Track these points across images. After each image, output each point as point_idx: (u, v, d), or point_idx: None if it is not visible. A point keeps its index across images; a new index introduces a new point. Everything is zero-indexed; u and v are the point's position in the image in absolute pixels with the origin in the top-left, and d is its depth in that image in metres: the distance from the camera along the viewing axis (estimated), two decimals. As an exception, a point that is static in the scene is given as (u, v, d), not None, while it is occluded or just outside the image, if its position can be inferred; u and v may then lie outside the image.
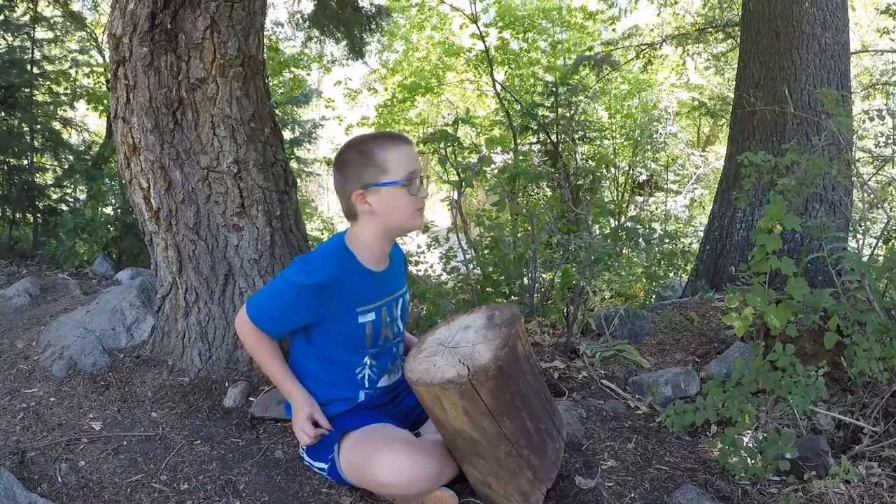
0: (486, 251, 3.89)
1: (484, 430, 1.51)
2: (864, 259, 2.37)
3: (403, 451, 1.60)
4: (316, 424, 1.75)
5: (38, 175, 6.58)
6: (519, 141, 9.54)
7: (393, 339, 1.84)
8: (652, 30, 10.45)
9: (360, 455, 1.65)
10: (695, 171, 10.93)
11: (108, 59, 3.27)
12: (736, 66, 5.00)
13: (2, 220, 6.31)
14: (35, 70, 6.43)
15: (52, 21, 6.88)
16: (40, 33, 6.74)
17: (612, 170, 10.87)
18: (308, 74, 11.51)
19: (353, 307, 1.71)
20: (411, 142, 1.73)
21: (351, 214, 1.73)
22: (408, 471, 1.57)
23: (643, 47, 9.82)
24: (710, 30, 9.22)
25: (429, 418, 1.88)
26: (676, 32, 9.99)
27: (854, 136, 4.25)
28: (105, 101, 7.20)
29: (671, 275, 6.49)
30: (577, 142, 10.20)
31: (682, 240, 7.83)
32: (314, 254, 1.74)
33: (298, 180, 5.29)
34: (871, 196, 2.84)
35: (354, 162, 1.67)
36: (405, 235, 1.77)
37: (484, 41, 9.92)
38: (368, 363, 1.80)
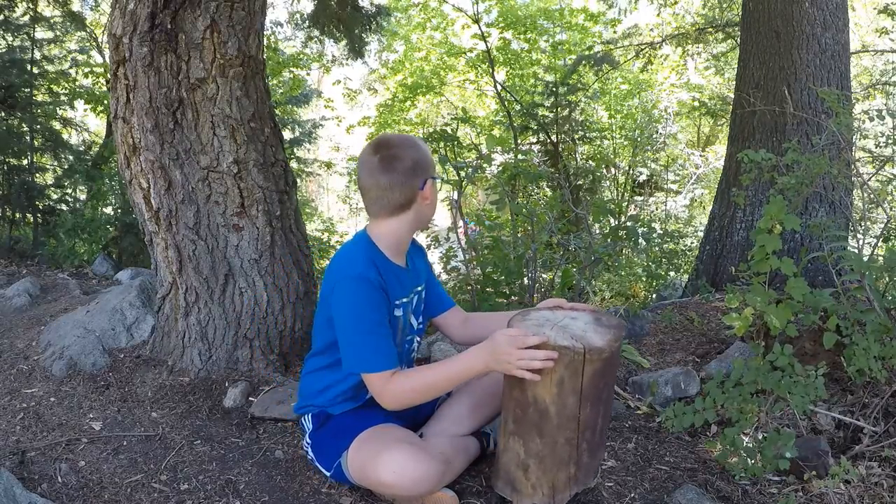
0: (485, 251, 3.89)
1: (563, 407, 1.50)
2: (864, 259, 2.37)
3: (407, 452, 1.60)
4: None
5: (38, 175, 6.58)
6: (519, 141, 9.54)
7: (409, 334, 1.85)
8: (652, 30, 10.45)
9: (364, 455, 1.65)
10: (695, 171, 10.94)
11: (108, 59, 3.27)
12: (736, 66, 5.00)
13: (2, 220, 6.31)
14: (35, 70, 6.43)
15: (52, 21, 6.88)
16: (40, 33, 6.74)
17: (612, 170, 10.88)
18: (308, 74, 11.49)
19: (393, 301, 1.72)
20: None
21: (400, 208, 1.71)
22: (411, 472, 1.57)
23: (643, 47, 9.82)
24: (710, 30, 9.22)
25: (431, 417, 1.89)
26: (676, 32, 9.99)
27: (854, 136, 4.26)
28: (105, 101, 7.20)
29: (671, 274, 6.49)
30: (577, 142, 10.21)
31: (682, 240, 7.83)
32: (353, 260, 1.69)
33: (298, 180, 5.29)
34: (871, 196, 2.84)
35: (421, 156, 1.72)
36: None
37: (486, 41, 9.92)
38: None
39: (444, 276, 4.65)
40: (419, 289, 1.88)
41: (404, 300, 1.78)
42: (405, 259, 1.83)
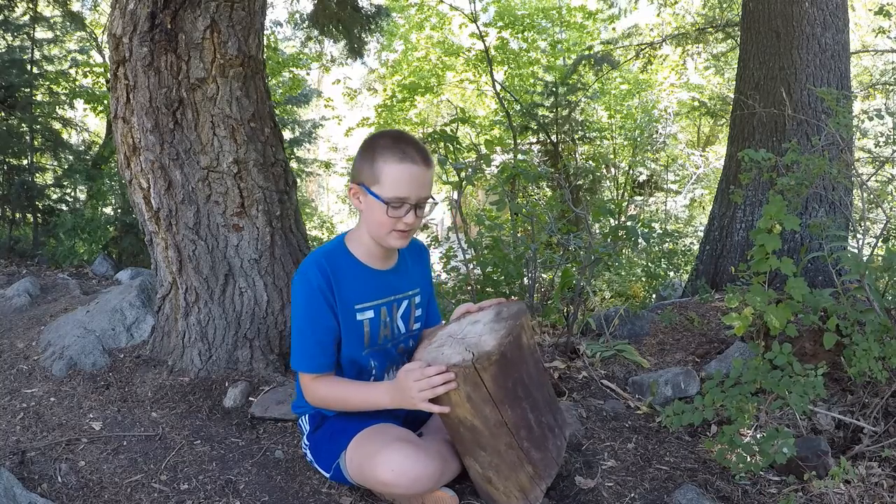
0: (485, 251, 3.89)
1: (485, 419, 1.52)
2: (864, 259, 2.37)
3: (405, 450, 1.60)
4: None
5: (38, 175, 6.58)
6: (519, 141, 9.54)
7: (392, 339, 1.82)
8: (652, 30, 10.46)
9: (363, 454, 1.65)
10: (695, 171, 10.95)
11: (108, 59, 3.27)
12: (736, 66, 5.01)
13: (2, 220, 6.31)
14: (35, 70, 6.44)
15: (51, 21, 6.89)
16: (40, 33, 6.74)
17: (612, 170, 10.89)
18: (307, 74, 11.49)
19: (352, 304, 1.71)
20: (423, 163, 1.62)
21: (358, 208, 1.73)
22: (409, 470, 1.57)
23: (643, 47, 9.83)
24: (710, 30, 9.23)
25: (429, 418, 1.89)
26: (676, 32, 10.00)
27: (854, 136, 4.26)
28: (105, 101, 7.20)
29: (671, 274, 6.49)
30: (577, 142, 10.21)
31: (682, 240, 7.83)
32: (306, 260, 1.72)
33: (298, 180, 5.29)
34: (871, 196, 2.84)
35: (361, 155, 1.67)
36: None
37: (483, 41, 9.91)
38: (372, 364, 1.80)
39: (443, 276, 4.65)
40: (411, 293, 1.84)
41: (377, 302, 1.75)
42: (393, 262, 1.79)
